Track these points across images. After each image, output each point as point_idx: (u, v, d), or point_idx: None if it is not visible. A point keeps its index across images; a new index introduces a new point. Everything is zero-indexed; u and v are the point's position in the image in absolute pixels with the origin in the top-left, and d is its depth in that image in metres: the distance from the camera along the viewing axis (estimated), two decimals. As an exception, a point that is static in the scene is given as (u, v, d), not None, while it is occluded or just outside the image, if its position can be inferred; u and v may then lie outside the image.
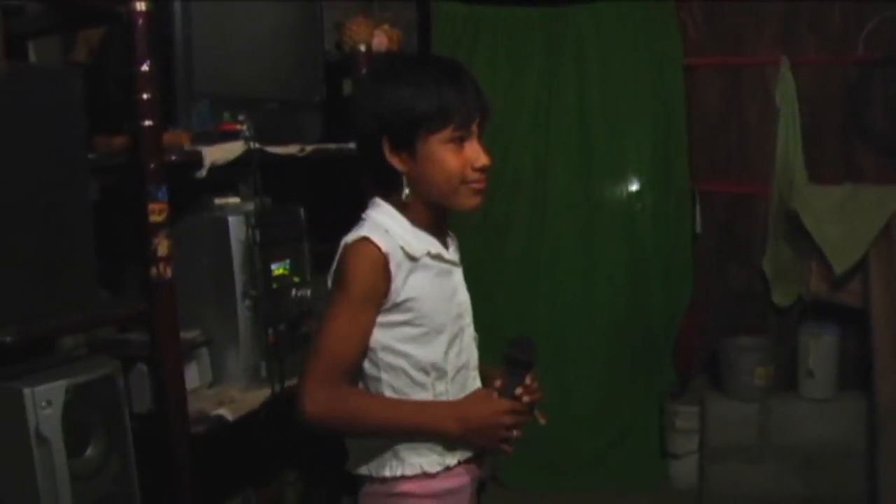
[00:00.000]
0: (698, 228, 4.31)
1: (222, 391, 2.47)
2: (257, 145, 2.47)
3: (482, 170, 1.79)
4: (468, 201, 1.82)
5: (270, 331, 2.52)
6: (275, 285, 2.56)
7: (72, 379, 1.92)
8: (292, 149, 2.66)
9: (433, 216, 1.85)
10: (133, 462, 2.08)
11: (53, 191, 1.96)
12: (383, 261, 1.73)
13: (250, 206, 2.56)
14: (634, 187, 4.30)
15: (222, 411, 2.36)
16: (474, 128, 1.79)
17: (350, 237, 1.77)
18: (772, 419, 4.05)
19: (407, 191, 1.80)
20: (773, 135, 4.14)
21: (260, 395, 2.48)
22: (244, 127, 2.46)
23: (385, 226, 1.78)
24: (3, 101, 1.85)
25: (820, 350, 4.00)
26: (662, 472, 4.27)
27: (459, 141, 1.77)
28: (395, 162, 1.78)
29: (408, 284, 1.76)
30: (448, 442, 1.79)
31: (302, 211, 2.71)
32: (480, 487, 1.92)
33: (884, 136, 4.12)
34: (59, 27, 2.38)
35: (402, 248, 1.76)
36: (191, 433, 2.24)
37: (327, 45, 3.24)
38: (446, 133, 1.75)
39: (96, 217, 2.08)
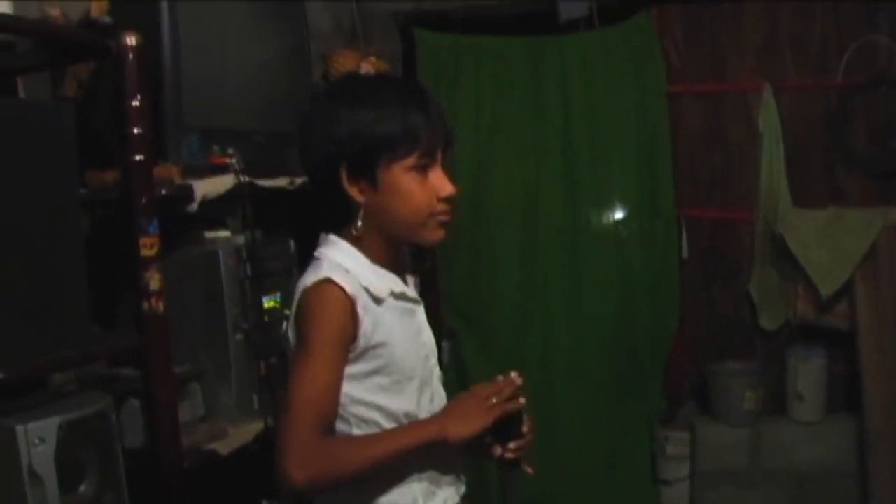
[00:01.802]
0: (684, 254, 4.33)
1: (215, 425, 2.46)
2: (247, 178, 2.47)
3: (447, 200, 1.67)
4: (433, 235, 1.68)
5: (262, 364, 2.51)
6: (266, 318, 2.55)
7: (65, 415, 1.90)
8: (282, 181, 2.66)
9: (391, 252, 1.71)
10: (126, 498, 2.06)
11: (45, 226, 1.95)
12: (350, 304, 1.59)
13: (241, 240, 2.55)
14: (620, 214, 4.32)
15: (215, 445, 2.35)
16: (439, 155, 1.67)
17: (309, 280, 1.62)
18: (762, 443, 4.05)
19: (360, 223, 1.65)
20: (757, 160, 4.18)
21: (252, 428, 2.47)
22: (234, 160, 2.46)
23: (345, 265, 1.63)
24: (-6, 137, 1.84)
25: (808, 373, 4.01)
26: (654, 499, 4.26)
27: (423, 169, 1.64)
28: (354, 192, 1.63)
29: (376, 329, 1.62)
30: (428, 493, 1.68)
31: (292, 243, 2.71)
32: None
33: (866, 158, 4.16)
34: (48, 63, 2.38)
35: (366, 289, 1.62)
36: (184, 467, 2.23)
37: (315, 78, 3.25)
38: (411, 160, 1.62)
39: (88, 252, 2.07)
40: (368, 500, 1.66)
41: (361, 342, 1.61)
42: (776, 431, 4.06)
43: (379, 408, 1.65)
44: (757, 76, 4.21)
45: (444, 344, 4.24)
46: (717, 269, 4.37)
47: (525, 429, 1.72)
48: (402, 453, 1.61)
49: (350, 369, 1.62)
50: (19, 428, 1.80)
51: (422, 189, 1.64)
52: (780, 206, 4.10)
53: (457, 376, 4.32)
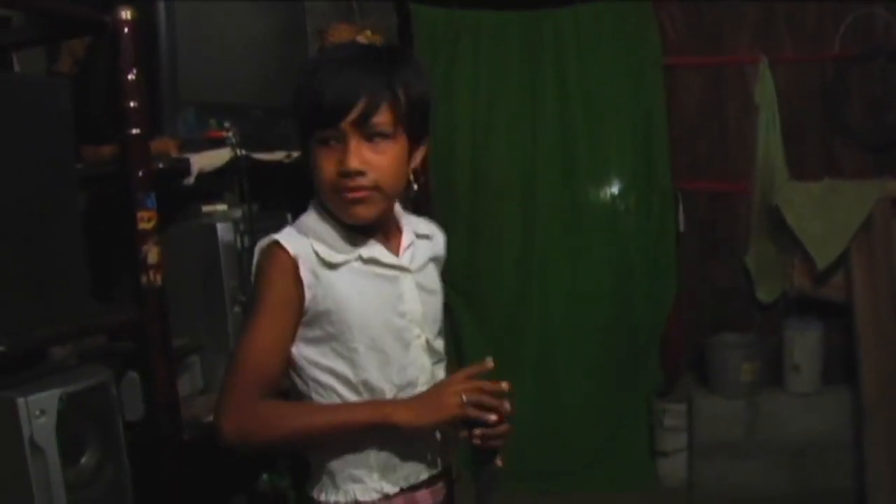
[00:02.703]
0: (681, 227, 4.34)
1: (213, 397, 2.45)
2: (244, 152, 2.47)
3: (347, 175, 1.55)
4: (344, 212, 1.60)
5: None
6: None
7: (65, 388, 1.91)
8: (278, 155, 2.66)
9: None
10: (127, 470, 2.07)
11: (42, 201, 1.96)
12: (292, 265, 1.56)
13: (238, 213, 2.56)
14: (617, 188, 4.33)
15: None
16: (345, 126, 1.54)
17: (263, 241, 1.62)
18: (759, 415, 4.08)
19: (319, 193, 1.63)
20: (753, 133, 4.19)
21: (251, 401, 2.48)
22: (230, 134, 2.46)
23: (306, 229, 1.61)
24: (-8, 112, 1.85)
25: (805, 345, 4.04)
26: (652, 471, 4.29)
27: (334, 141, 1.55)
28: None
29: (328, 294, 1.58)
30: (388, 466, 1.63)
31: (289, 216, 2.71)
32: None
33: (862, 131, 4.17)
34: (43, 38, 2.38)
35: (316, 252, 1.58)
36: (183, 440, 2.24)
37: (311, 52, 3.24)
38: (318, 133, 1.56)
39: (85, 226, 2.08)
40: (324, 463, 1.64)
41: (310, 305, 1.59)
42: (773, 403, 4.08)
43: (334, 373, 1.61)
44: (753, 49, 4.21)
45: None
46: (713, 242, 4.39)
47: (494, 418, 1.59)
48: (339, 430, 1.58)
49: (305, 332, 1.61)
50: (20, 400, 1.82)
51: (326, 163, 1.57)
52: (777, 179, 4.12)
53: (453, 352, 4.33)
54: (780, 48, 4.21)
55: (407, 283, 1.69)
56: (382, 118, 1.56)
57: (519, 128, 4.33)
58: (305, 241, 1.60)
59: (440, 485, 1.72)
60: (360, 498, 1.62)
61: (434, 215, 4.06)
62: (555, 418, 4.28)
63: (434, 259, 1.82)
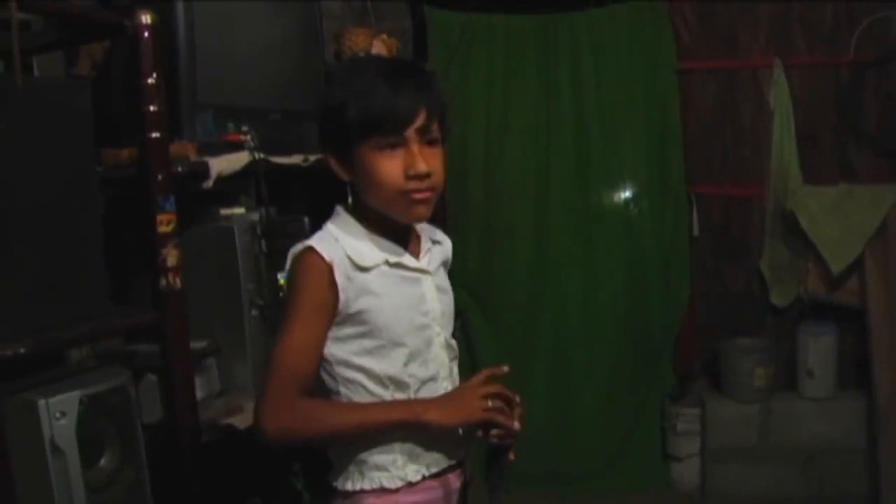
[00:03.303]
0: (695, 231, 4.33)
1: (231, 400, 2.48)
2: (262, 155, 2.49)
3: (418, 177, 1.67)
4: (408, 212, 1.71)
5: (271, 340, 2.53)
6: (281, 294, 2.57)
7: (85, 390, 1.93)
8: (296, 158, 2.67)
9: (391, 222, 1.75)
10: (146, 472, 2.09)
11: (63, 203, 1.98)
12: (327, 270, 1.65)
13: (255, 216, 2.57)
14: (631, 191, 4.32)
15: (231, 420, 2.38)
16: (410, 133, 1.66)
17: (297, 247, 1.71)
18: (772, 419, 4.07)
19: (350, 199, 1.74)
20: (768, 137, 4.18)
21: (268, 403, 2.49)
22: (248, 137, 2.48)
23: (336, 235, 1.71)
24: (15, 115, 1.86)
25: (819, 349, 4.03)
26: (665, 475, 4.28)
27: (394, 147, 1.67)
28: (337, 170, 1.73)
29: (360, 297, 1.68)
30: (412, 456, 1.73)
31: (306, 220, 2.73)
32: (463, 496, 1.84)
33: (877, 135, 4.16)
34: (63, 42, 2.39)
35: (349, 257, 1.68)
36: (201, 442, 2.26)
37: (327, 56, 3.26)
38: (374, 140, 1.66)
39: (105, 229, 2.10)
40: (351, 454, 1.74)
41: (343, 307, 1.68)
42: (786, 408, 4.07)
43: (363, 369, 1.71)
44: (768, 53, 4.20)
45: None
46: (727, 246, 4.38)
47: (517, 426, 1.71)
48: (374, 427, 1.69)
49: (336, 332, 1.70)
50: (41, 402, 1.84)
51: (390, 168, 1.67)
52: (791, 183, 4.11)
53: (467, 354, 4.34)
54: (795, 52, 4.21)
55: (427, 284, 1.81)
56: (435, 125, 1.70)
57: (533, 131, 4.33)
58: (338, 246, 1.69)
59: (457, 473, 1.83)
60: (386, 485, 1.72)
61: (448, 218, 4.11)
62: (568, 421, 4.28)
63: (444, 263, 1.93)
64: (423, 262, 1.81)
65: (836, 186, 4.03)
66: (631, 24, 4.30)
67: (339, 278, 1.66)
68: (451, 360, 1.84)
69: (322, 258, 1.65)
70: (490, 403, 1.68)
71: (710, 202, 4.35)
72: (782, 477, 4.07)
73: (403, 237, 1.80)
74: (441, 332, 1.81)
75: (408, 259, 1.77)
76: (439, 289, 1.84)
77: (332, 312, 1.68)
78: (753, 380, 4.05)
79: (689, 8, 4.30)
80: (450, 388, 1.81)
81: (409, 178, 1.67)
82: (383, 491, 1.72)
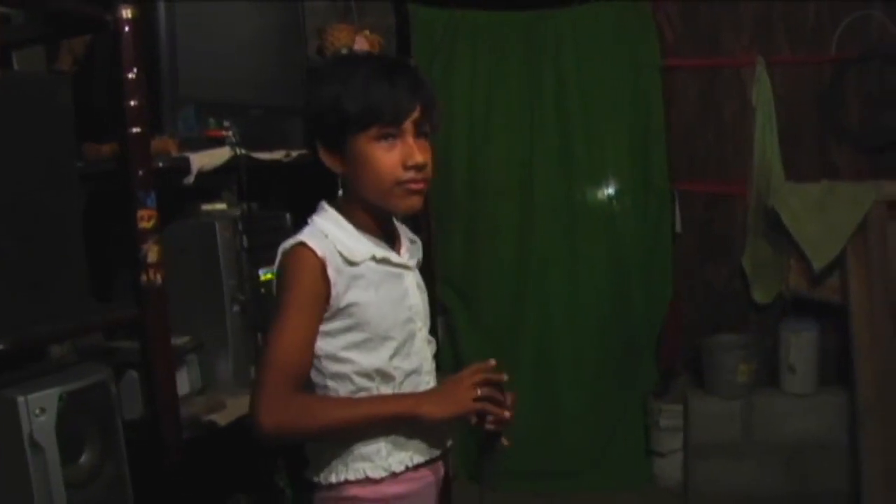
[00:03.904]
0: (678, 228, 4.34)
1: (213, 396, 2.48)
2: (243, 151, 2.48)
3: (415, 168, 1.72)
4: (403, 203, 1.76)
5: (259, 335, 2.53)
6: (263, 290, 2.57)
7: (65, 386, 1.92)
8: (277, 154, 2.67)
9: (378, 219, 1.80)
10: (126, 468, 2.08)
11: (43, 199, 1.96)
12: (320, 265, 1.68)
13: (237, 212, 2.57)
14: (614, 188, 4.32)
15: (213, 417, 2.37)
16: (407, 125, 1.72)
17: (287, 243, 1.73)
18: (754, 415, 4.09)
19: (340, 192, 1.77)
20: (751, 134, 4.19)
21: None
22: (230, 133, 2.47)
23: (324, 230, 1.74)
24: (-5, 110, 1.85)
25: (800, 346, 4.05)
26: (648, 471, 4.30)
27: (390, 139, 1.72)
28: (330, 163, 1.76)
29: (349, 290, 1.72)
30: (396, 446, 1.76)
31: (288, 216, 2.72)
32: (445, 490, 1.89)
33: (858, 133, 4.18)
34: (44, 36, 2.38)
35: (340, 252, 1.71)
36: (183, 439, 2.24)
37: (309, 52, 3.25)
38: (373, 131, 1.70)
39: (85, 224, 2.08)
40: (333, 446, 1.77)
41: (334, 302, 1.71)
42: (768, 404, 4.09)
43: (351, 362, 1.74)
44: (750, 51, 4.22)
45: (438, 319, 4.26)
46: (710, 243, 4.39)
47: (509, 416, 1.77)
48: (369, 421, 1.71)
49: (325, 326, 1.72)
50: (20, 399, 1.82)
51: (387, 158, 1.72)
52: (773, 180, 4.12)
53: (451, 352, 4.34)
54: (777, 50, 4.22)
55: (409, 280, 1.86)
56: (427, 120, 1.76)
57: (516, 128, 4.33)
58: (328, 241, 1.72)
59: (439, 464, 1.87)
60: (370, 475, 1.75)
61: (431, 215, 4.11)
62: (552, 418, 4.28)
63: (418, 262, 1.95)
64: (404, 258, 1.85)
65: (818, 183, 4.04)
66: (615, 21, 4.30)
67: (331, 273, 1.69)
68: (432, 354, 1.90)
69: (314, 253, 1.68)
70: (479, 392, 1.71)
71: (693, 199, 4.36)
72: (765, 472, 4.08)
73: (387, 233, 1.84)
74: (423, 327, 1.86)
75: (392, 255, 1.81)
76: (418, 285, 1.88)
77: (323, 307, 1.70)
78: (736, 376, 4.06)
79: (672, 6, 4.31)
80: (431, 381, 1.87)
81: (406, 168, 1.72)
82: (368, 481, 1.75)
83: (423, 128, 1.75)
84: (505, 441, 1.82)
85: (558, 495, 4.23)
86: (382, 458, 1.76)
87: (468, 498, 1.86)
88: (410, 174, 1.73)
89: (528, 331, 4.31)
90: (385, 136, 1.71)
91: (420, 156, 1.72)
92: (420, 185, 1.75)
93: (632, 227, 4.32)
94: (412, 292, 1.84)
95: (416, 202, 1.77)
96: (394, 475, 1.76)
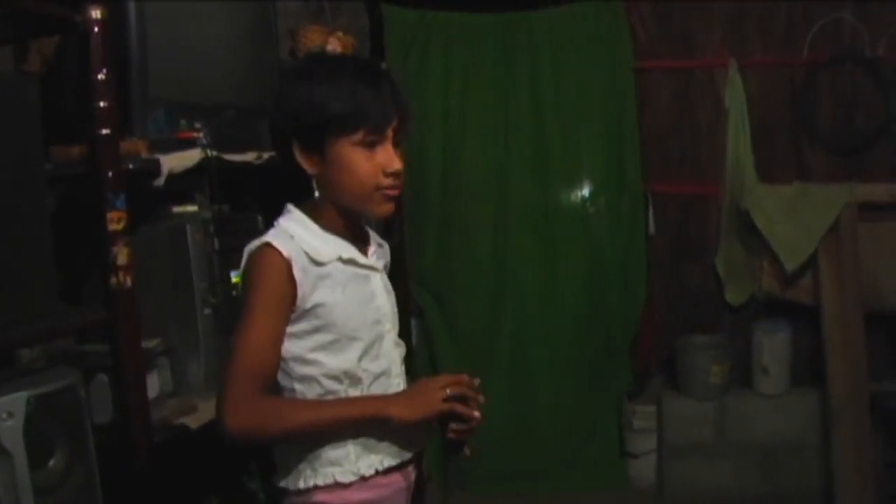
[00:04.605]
0: (652, 229, 4.36)
1: (184, 399, 2.45)
2: (214, 153, 2.46)
3: (395, 175, 1.74)
4: (379, 208, 1.78)
5: (231, 338, 2.51)
6: (234, 292, 2.55)
7: (33, 390, 1.89)
8: (249, 156, 2.64)
9: (347, 220, 1.80)
10: (97, 473, 2.06)
11: (10, 201, 1.94)
12: (286, 266, 1.67)
13: (208, 214, 2.55)
14: (588, 190, 4.34)
15: (184, 420, 2.35)
16: (388, 132, 1.73)
17: (252, 244, 1.73)
18: (728, 416, 4.11)
19: (317, 193, 1.77)
20: (724, 136, 4.21)
21: (222, 402, 2.47)
22: (201, 134, 2.45)
23: (290, 231, 1.73)
24: (-41, 111, 1.83)
25: (773, 347, 4.07)
26: (623, 472, 4.31)
27: (371, 145, 1.72)
28: (306, 164, 1.74)
29: (316, 291, 1.71)
30: (365, 450, 1.75)
31: (260, 218, 2.70)
32: (418, 494, 1.90)
33: (831, 135, 4.22)
34: (12, 37, 2.35)
35: (306, 252, 1.70)
36: (154, 442, 2.23)
37: (281, 53, 3.23)
38: (358, 136, 1.70)
39: (54, 227, 2.06)
40: (302, 451, 1.75)
41: (300, 303, 1.70)
42: (742, 404, 4.12)
43: (318, 364, 1.73)
44: (723, 53, 4.24)
45: (413, 321, 4.25)
46: (684, 245, 4.42)
47: (478, 415, 1.76)
48: (337, 423, 1.71)
49: (292, 328, 1.71)
50: (-13, 402, 1.80)
51: (368, 164, 1.72)
52: (746, 182, 4.15)
53: (426, 354, 4.34)
54: (750, 52, 4.25)
55: (376, 282, 1.85)
56: (405, 128, 1.78)
57: (491, 130, 4.34)
58: (293, 242, 1.71)
59: (410, 468, 1.86)
60: (339, 479, 1.73)
61: (405, 217, 4.10)
62: (527, 419, 4.29)
63: (386, 265, 1.96)
64: (371, 260, 1.85)
65: (791, 185, 4.08)
66: (588, 23, 4.32)
67: (297, 273, 1.68)
68: (401, 357, 1.89)
69: (280, 254, 1.68)
70: (448, 392, 1.72)
71: (666, 201, 4.38)
72: (739, 473, 4.11)
73: (356, 235, 1.84)
74: (391, 329, 1.86)
75: (358, 256, 1.81)
76: (385, 288, 1.88)
77: (290, 308, 1.69)
78: (709, 377, 4.08)
79: (645, 8, 4.33)
80: (401, 383, 1.86)
81: (386, 174, 1.73)
82: (337, 486, 1.74)
83: (399, 135, 1.76)
84: (467, 451, 1.82)
85: (533, 497, 4.24)
86: (352, 463, 1.75)
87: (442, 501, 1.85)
88: (389, 180, 1.74)
89: (503, 332, 4.32)
90: (370, 143, 1.71)
91: (399, 163, 1.74)
92: (395, 192, 1.76)
93: (606, 229, 4.34)
94: (379, 294, 1.84)
95: (390, 208, 1.79)
96: (363, 479, 1.75)
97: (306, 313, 1.71)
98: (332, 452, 1.74)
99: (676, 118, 4.37)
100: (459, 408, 1.73)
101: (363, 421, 1.72)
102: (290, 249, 1.69)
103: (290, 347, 1.72)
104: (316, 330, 1.73)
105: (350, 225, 1.82)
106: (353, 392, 1.75)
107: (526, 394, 4.30)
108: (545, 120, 4.31)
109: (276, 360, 1.71)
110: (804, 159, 4.26)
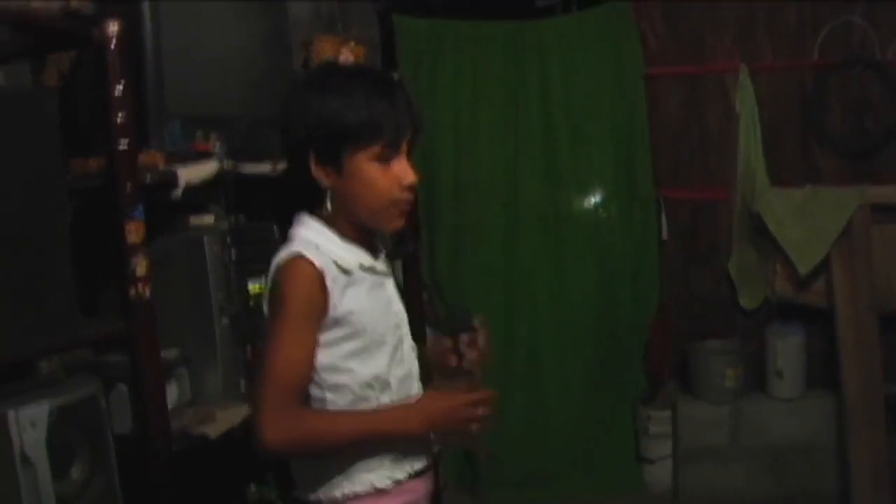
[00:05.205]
0: (664, 234, 4.36)
1: (202, 409, 2.47)
2: (230, 164, 2.49)
3: (410, 188, 1.74)
4: (392, 222, 1.78)
5: (248, 347, 2.53)
6: (251, 302, 2.57)
7: (55, 400, 1.92)
8: (264, 167, 2.67)
9: (361, 230, 1.80)
10: (117, 482, 2.08)
11: (31, 214, 1.97)
12: (319, 277, 1.67)
13: (225, 225, 2.57)
14: (600, 196, 4.35)
15: (203, 429, 2.37)
16: (404, 146, 1.73)
17: (282, 257, 1.72)
18: (742, 420, 4.11)
19: (329, 206, 1.75)
20: (735, 140, 4.22)
21: (240, 411, 2.49)
22: (217, 146, 2.48)
23: (315, 242, 1.72)
24: (-20, 126, 1.86)
25: (787, 350, 4.07)
26: (638, 478, 4.31)
27: (387, 158, 1.71)
28: (321, 176, 1.72)
29: (345, 299, 1.71)
30: (397, 455, 1.77)
31: (276, 227, 2.72)
32: (437, 500, 1.93)
33: (841, 138, 4.21)
34: (30, 51, 2.38)
35: (335, 262, 1.70)
36: (172, 451, 2.25)
37: (295, 65, 3.26)
38: (375, 149, 1.70)
39: (73, 239, 2.09)
40: (333, 463, 1.75)
41: (332, 312, 1.70)
42: (756, 408, 4.11)
43: (350, 372, 1.74)
44: (733, 58, 4.24)
45: (427, 328, 4.26)
46: (696, 249, 4.41)
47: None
48: (373, 437, 1.73)
49: (324, 337, 1.71)
50: (11, 413, 1.83)
51: (384, 177, 1.72)
52: (758, 186, 4.14)
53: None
54: (760, 56, 4.25)
55: (391, 288, 1.87)
56: (417, 140, 1.78)
57: (502, 137, 4.35)
58: (320, 252, 1.71)
59: (431, 474, 1.88)
60: (377, 485, 1.75)
61: (420, 225, 4.12)
62: (542, 425, 4.29)
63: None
64: (385, 267, 1.87)
65: (802, 188, 4.07)
66: (598, 30, 4.33)
67: (329, 283, 1.68)
68: (416, 360, 1.90)
69: (313, 265, 1.67)
70: (481, 413, 1.75)
71: (678, 206, 4.38)
72: (754, 476, 4.10)
73: (369, 244, 1.83)
74: (408, 333, 1.88)
75: (376, 263, 1.82)
76: (397, 293, 1.91)
77: (322, 318, 1.70)
78: (724, 381, 4.08)
79: (655, 14, 4.34)
80: (418, 384, 1.87)
81: (402, 188, 1.73)
82: (375, 492, 1.75)
83: (414, 147, 1.77)
84: (482, 455, 1.86)
85: (548, 501, 4.24)
86: (386, 468, 1.76)
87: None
88: (406, 194, 1.75)
89: (516, 339, 4.32)
90: (386, 157, 1.71)
91: (413, 175, 1.74)
92: (408, 207, 1.78)
93: (618, 235, 4.34)
94: (395, 299, 1.86)
95: (402, 223, 1.79)
96: (398, 483, 1.78)
97: (337, 322, 1.71)
98: (367, 459, 1.75)
99: (687, 123, 4.37)
100: (485, 429, 1.77)
101: (393, 435, 1.73)
102: (320, 260, 1.69)
103: (321, 358, 1.72)
104: (346, 337, 1.73)
105: (365, 234, 1.82)
106: (384, 398, 1.76)
107: (540, 399, 4.31)
108: (556, 127, 4.32)
109: (311, 372, 1.71)
110: (815, 162, 4.26)
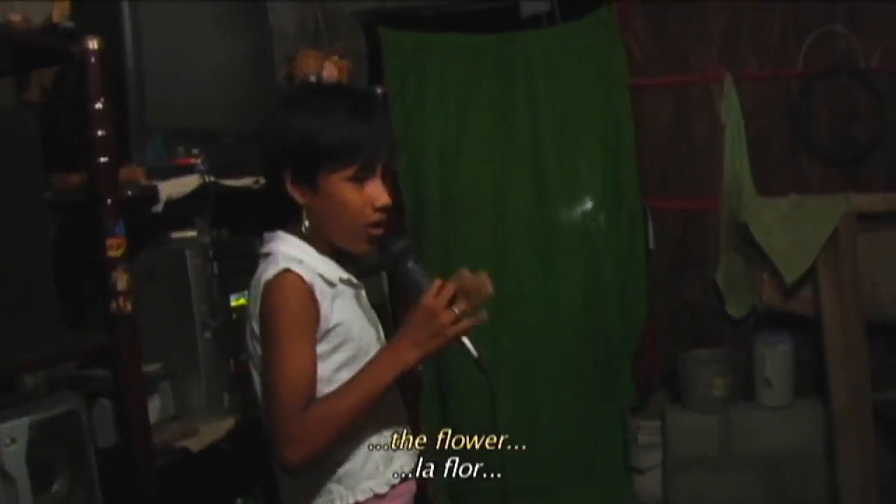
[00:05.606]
0: (651, 244, 4.37)
1: (185, 423, 2.48)
2: (212, 179, 2.49)
3: (384, 209, 1.77)
4: (362, 247, 1.81)
5: (231, 361, 2.54)
6: (234, 316, 2.57)
7: (35, 415, 1.91)
8: (247, 181, 2.68)
9: (335, 245, 1.83)
10: (99, 497, 2.07)
11: (12, 229, 1.96)
12: (309, 290, 1.71)
13: (207, 239, 2.58)
14: (587, 207, 4.35)
15: (186, 443, 2.37)
16: (379, 168, 1.77)
17: (269, 273, 1.73)
18: (732, 429, 4.11)
19: (306, 223, 1.77)
20: (721, 150, 4.23)
21: (223, 425, 2.50)
22: (199, 161, 2.48)
23: (298, 257, 1.75)
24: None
25: (775, 359, 4.07)
26: (628, 487, 4.30)
27: (362, 180, 1.75)
28: (296, 194, 1.76)
29: (334, 310, 1.75)
30: (387, 460, 1.82)
31: (258, 242, 2.73)
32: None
33: (827, 146, 4.23)
34: (11, 68, 2.39)
35: (320, 275, 1.75)
36: (156, 466, 2.25)
37: (278, 78, 3.27)
38: (350, 171, 1.73)
39: (54, 254, 2.09)
40: (329, 473, 1.79)
41: (324, 323, 1.74)
42: (745, 417, 4.11)
43: (340, 382, 1.75)
44: (718, 68, 4.26)
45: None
46: (684, 259, 4.42)
47: (486, 317, 1.76)
48: (381, 389, 1.71)
49: (317, 349, 1.75)
50: (-10, 428, 1.82)
51: (358, 198, 1.76)
52: (744, 195, 4.16)
53: (435, 374, 4.34)
54: (745, 66, 4.27)
55: (363, 299, 1.93)
56: (393, 161, 1.82)
57: (489, 150, 4.35)
58: (304, 266, 1.74)
59: (412, 479, 1.93)
60: (377, 490, 1.81)
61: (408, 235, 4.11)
62: (531, 435, 4.28)
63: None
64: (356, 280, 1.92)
65: (788, 198, 4.08)
66: (584, 41, 4.34)
67: (318, 295, 1.72)
68: None
69: (302, 279, 1.71)
70: (457, 311, 1.70)
71: (665, 216, 4.39)
72: (744, 485, 4.10)
73: (343, 257, 1.87)
74: (382, 338, 1.93)
75: (351, 276, 1.86)
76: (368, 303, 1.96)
77: (316, 330, 1.73)
78: (712, 390, 4.08)
79: (640, 25, 4.35)
80: (395, 388, 1.84)
81: (374, 209, 1.77)
82: (375, 498, 1.81)
83: (390, 169, 1.81)
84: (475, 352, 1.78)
85: (538, 514, 4.24)
86: (381, 473, 1.81)
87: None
88: (378, 216, 1.78)
89: (504, 349, 4.31)
90: (361, 178, 1.74)
91: (387, 197, 1.78)
92: (381, 231, 1.80)
93: (605, 245, 4.34)
94: (368, 309, 1.92)
95: (371, 250, 1.82)
96: (393, 487, 1.83)
97: (328, 333, 1.75)
98: (365, 468, 1.79)
99: (673, 133, 4.38)
100: (472, 322, 1.72)
101: (396, 375, 1.72)
102: (308, 274, 1.72)
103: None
104: (336, 348, 1.77)
105: (337, 248, 1.84)
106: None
107: (529, 409, 4.30)
108: (542, 138, 4.33)
109: (315, 383, 1.72)
110: (801, 171, 4.27)
